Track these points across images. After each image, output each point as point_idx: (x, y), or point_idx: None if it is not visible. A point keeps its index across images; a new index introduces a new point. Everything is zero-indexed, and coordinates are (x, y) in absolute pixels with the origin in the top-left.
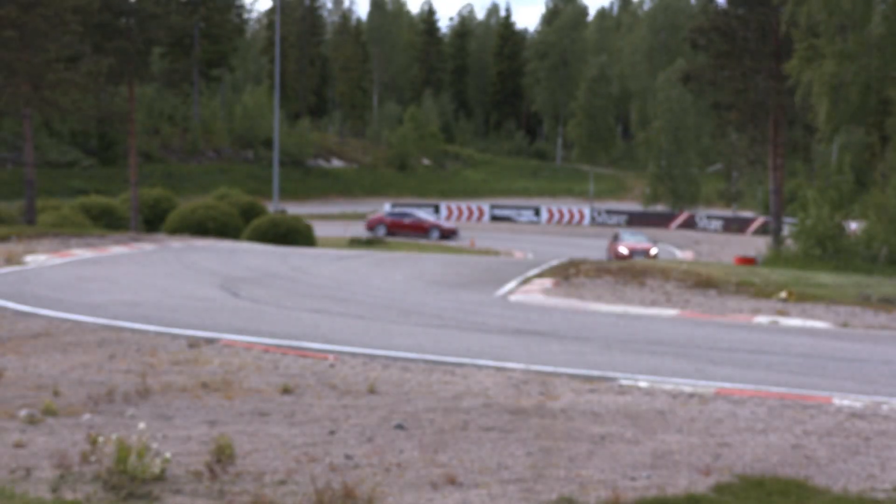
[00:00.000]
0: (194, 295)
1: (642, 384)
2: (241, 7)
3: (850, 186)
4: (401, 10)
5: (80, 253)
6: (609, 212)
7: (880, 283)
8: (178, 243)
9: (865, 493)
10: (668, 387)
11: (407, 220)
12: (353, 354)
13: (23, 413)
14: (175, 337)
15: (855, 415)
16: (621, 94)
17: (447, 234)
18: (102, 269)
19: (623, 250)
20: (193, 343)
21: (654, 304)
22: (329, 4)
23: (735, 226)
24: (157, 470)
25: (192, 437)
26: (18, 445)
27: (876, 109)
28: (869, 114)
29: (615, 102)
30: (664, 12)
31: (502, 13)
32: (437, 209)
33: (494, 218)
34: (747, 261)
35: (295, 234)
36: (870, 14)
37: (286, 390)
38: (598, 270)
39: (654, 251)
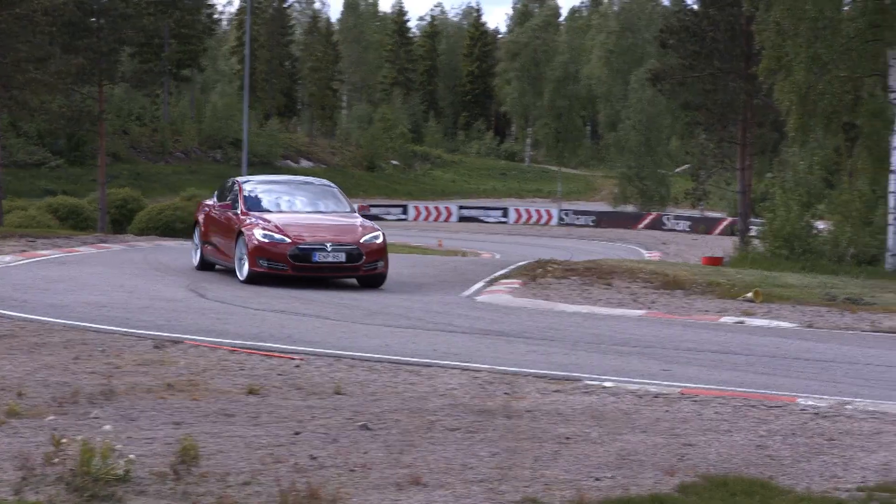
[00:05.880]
0: (161, 296)
1: (608, 384)
2: (212, 7)
3: (818, 186)
4: (373, 11)
5: (47, 253)
6: (577, 212)
7: (846, 283)
8: (145, 244)
9: (829, 492)
10: (634, 387)
11: None
12: (320, 355)
13: None
14: (141, 338)
15: (819, 415)
16: (590, 95)
17: None
18: (69, 270)
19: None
20: (159, 344)
21: (620, 304)
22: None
23: (702, 226)
24: (121, 471)
25: (157, 439)
26: None
27: (846, 109)
28: (841, 117)
29: (583, 103)
30: (631, 14)
31: (473, 14)
32: (405, 209)
33: (463, 219)
34: (714, 261)
35: None
36: (838, 17)
37: (252, 391)
38: (566, 271)
39: None
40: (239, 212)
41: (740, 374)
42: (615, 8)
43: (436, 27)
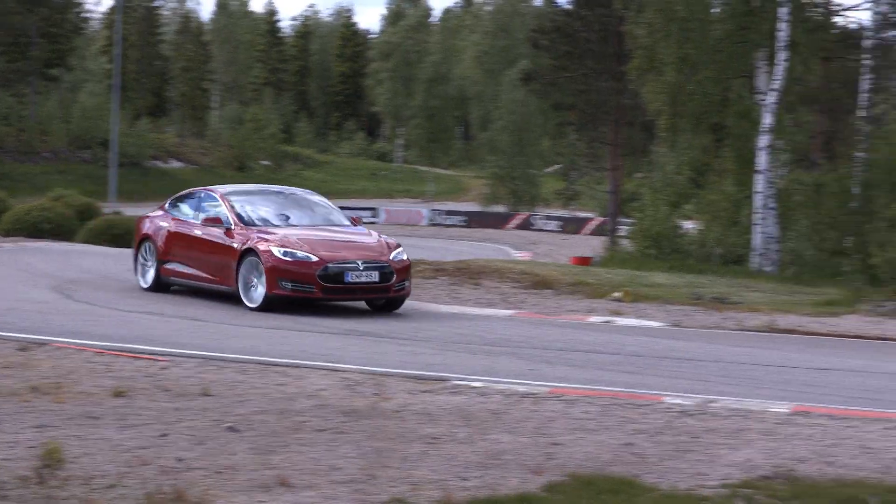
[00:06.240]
0: (26, 297)
1: (476, 384)
2: (81, 6)
3: (686, 186)
4: (245, 11)
5: None
6: (449, 212)
7: (713, 282)
8: (10, 245)
9: (694, 489)
10: (502, 387)
11: None
12: (188, 357)
13: None
14: (4, 340)
15: (685, 413)
16: (462, 96)
17: None
18: None
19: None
20: (24, 346)
21: (489, 304)
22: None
23: (572, 226)
24: None
25: (20, 442)
26: None
27: (714, 110)
28: (709, 118)
29: (455, 104)
30: (504, 14)
31: (345, 15)
32: None
33: None
34: (584, 261)
35: (131, 236)
36: (706, 18)
37: (118, 393)
38: (435, 271)
39: None
40: (232, 227)
41: (608, 373)
42: (488, 8)
43: (308, 27)
